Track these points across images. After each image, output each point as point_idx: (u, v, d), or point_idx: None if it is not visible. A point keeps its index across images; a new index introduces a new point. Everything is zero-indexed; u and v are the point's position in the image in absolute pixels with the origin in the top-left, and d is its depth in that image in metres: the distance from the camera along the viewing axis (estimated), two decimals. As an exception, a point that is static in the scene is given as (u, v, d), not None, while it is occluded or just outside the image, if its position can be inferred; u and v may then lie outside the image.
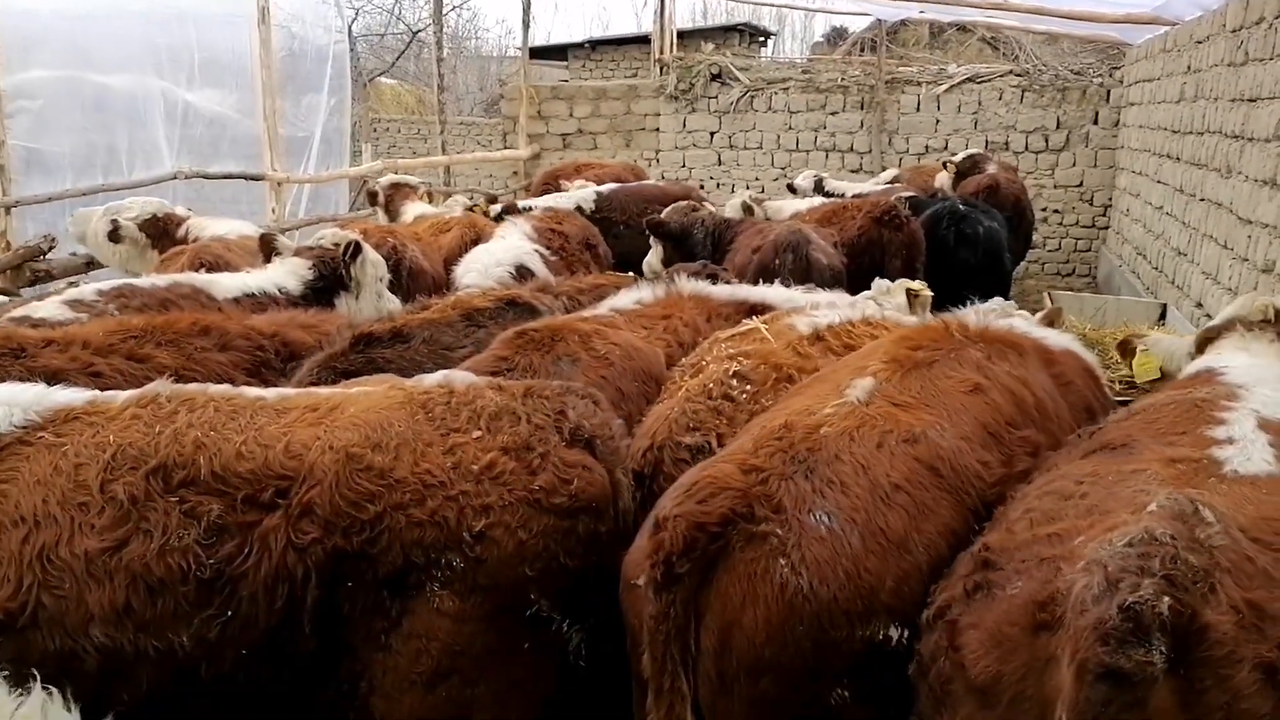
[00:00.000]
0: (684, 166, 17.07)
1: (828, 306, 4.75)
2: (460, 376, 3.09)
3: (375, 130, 20.23)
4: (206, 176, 10.57)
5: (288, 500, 2.67)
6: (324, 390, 3.06)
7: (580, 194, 10.95)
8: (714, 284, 5.20)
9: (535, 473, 2.79)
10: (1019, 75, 15.51)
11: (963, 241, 9.37)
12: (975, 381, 3.27)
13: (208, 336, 4.41)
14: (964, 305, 4.66)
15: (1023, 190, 12.43)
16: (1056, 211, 15.38)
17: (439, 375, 3.09)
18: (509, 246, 7.01)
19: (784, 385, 3.57)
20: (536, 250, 7.11)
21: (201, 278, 5.46)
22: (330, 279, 6.19)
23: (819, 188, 13.56)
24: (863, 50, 20.64)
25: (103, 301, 4.74)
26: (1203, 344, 3.84)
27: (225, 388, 3.02)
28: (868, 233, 8.60)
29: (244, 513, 2.66)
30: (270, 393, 3.02)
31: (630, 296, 4.79)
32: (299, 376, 4.10)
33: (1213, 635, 1.95)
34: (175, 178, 10.00)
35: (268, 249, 6.39)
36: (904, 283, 5.55)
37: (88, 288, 4.93)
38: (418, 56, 21.24)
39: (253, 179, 11.16)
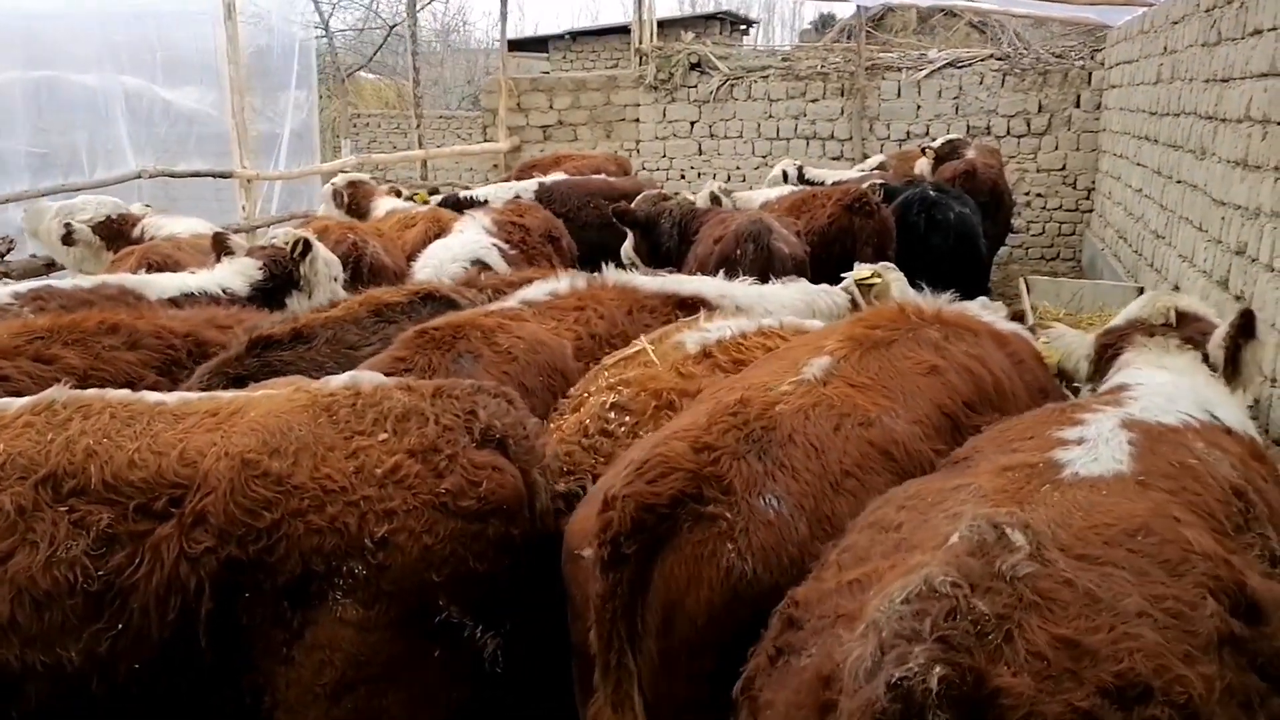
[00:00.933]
0: (664, 156, 16.96)
1: (759, 299, 4.65)
2: (368, 377, 2.97)
3: (355, 126, 20.04)
4: (172, 175, 10.43)
5: (181, 509, 2.56)
6: (227, 394, 2.94)
7: (521, 185, 10.85)
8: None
9: (442, 475, 2.68)
10: (1000, 59, 15.38)
11: (934, 228, 9.29)
12: (932, 363, 3.22)
13: (116, 335, 4.27)
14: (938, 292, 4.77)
15: (1001, 175, 12.32)
16: (1040, 195, 15.26)
17: (345, 376, 2.97)
18: (466, 241, 6.89)
19: (665, 413, 3.39)
20: (494, 244, 6.98)
21: (134, 278, 5.33)
22: (281, 278, 6.07)
23: (800, 175, 13.48)
24: (849, 37, 20.48)
25: (18, 305, 4.60)
26: (1102, 348, 3.62)
27: (125, 393, 2.90)
28: (838, 221, 8.52)
29: (135, 522, 2.55)
30: (172, 397, 2.90)
31: (544, 288, 4.62)
32: (188, 384, 3.96)
33: (1005, 700, 1.66)
34: (139, 177, 9.88)
35: (220, 248, 6.26)
36: (886, 266, 5.44)
37: (2, 290, 4.79)
38: (399, 51, 21.06)
39: (221, 176, 11.02)
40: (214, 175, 10.93)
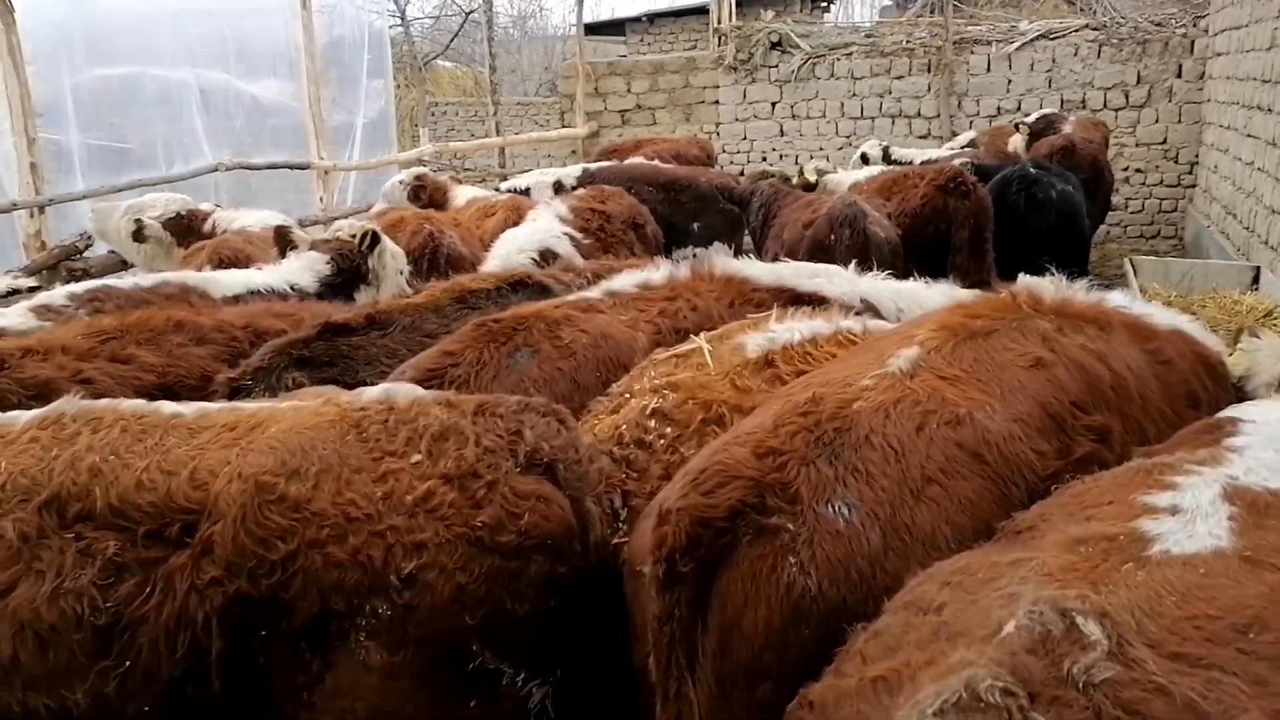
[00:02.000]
0: (745, 139, 16.51)
1: (894, 298, 4.20)
2: (405, 390, 2.69)
3: (433, 114, 19.98)
4: (249, 168, 10.37)
5: (193, 537, 2.32)
6: (249, 406, 2.69)
7: (564, 171, 10.54)
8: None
9: (480, 505, 2.39)
10: (1095, 29, 14.60)
11: (1034, 207, 8.80)
12: (1037, 355, 2.86)
13: (182, 332, 4.18)
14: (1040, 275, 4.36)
15: (1101, 149, 11.67)
16: (1139, 171, 14.47)
17: (380, 388, 2.69)
18: (535, 230, 6.60)
19: (713, 429, 3.03)
20: (567, 233, 6.66)
21: (197, 276, 5.19)
22: (349, 272, 5.88)
23: (886, 156, 12.99)
24: (932, 12, 19.73)
25: (73, 306, 4.47)
26: None
27: (139, 404, 2.68)
28: (932, 201, 8.07)
29: (146, 549, 2.32)
30: (190, 408, 2.67)
31: (636, 277, 4.28)
32: (251, 360, 3.77)
33: None
34: (216, 170, 9.83)
35: (283, 242, 6.10)
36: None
37: (58, 292, 4.67)
38: (476, 39, 20.93)
39: (298, 168, 10.96)
40: (291, 167, 10.87)
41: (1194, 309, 8.17)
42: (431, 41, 23.20)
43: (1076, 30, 14.81)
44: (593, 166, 10.72)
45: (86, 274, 8.12)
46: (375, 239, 5.97)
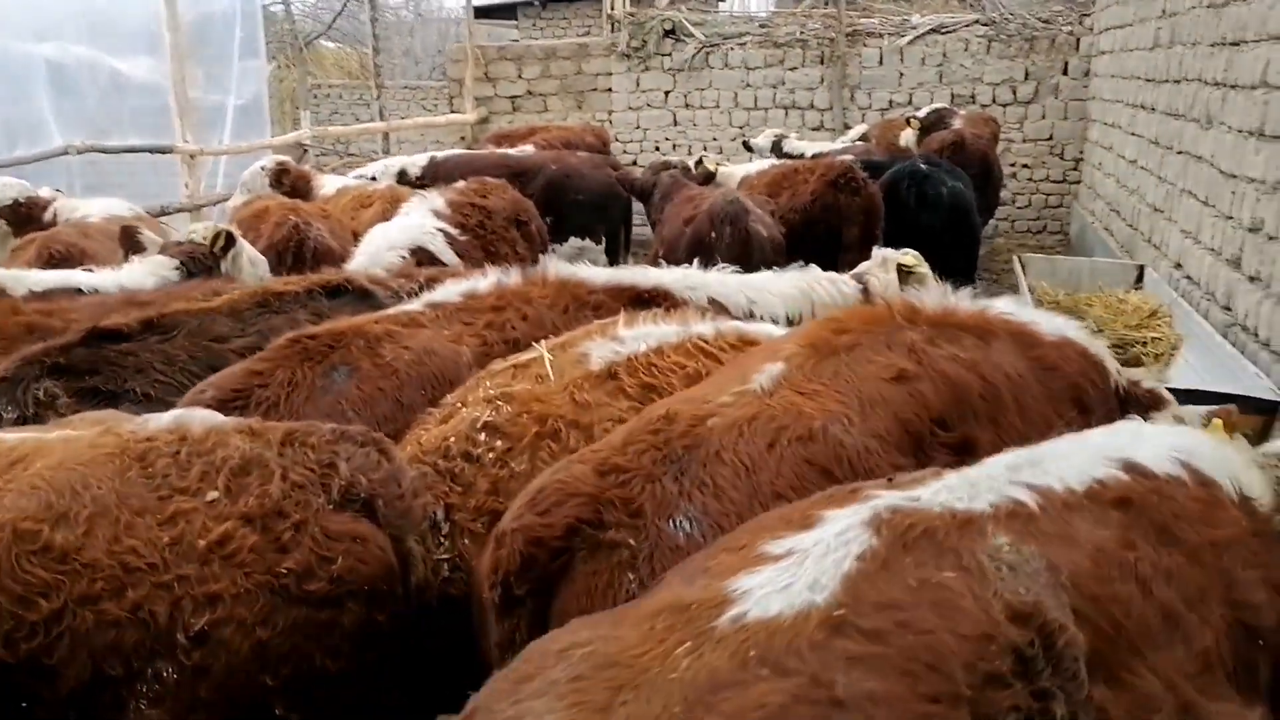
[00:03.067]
0: (638, 128, 16.26)
1: (741, 290, 4.00)
2: (200, 417, 2.34)
3: (315, 96, 19.25)
4: (104, 151, 9.67)
5: None
6: (10, 437, 2.30)
7: (410, 159, 10.10)
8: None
9: (285, 549, 2.09)
10: (985, 25, 14.74)
11: (925, 204, 8.77)
12: (901, 368, 2.76)
13: None
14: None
15: (990, 145, 11.78)
16: (1026, 166, 14.67)
17: (171, 415, 2.34)
18: (407, 225, 6.15)
19: (548, 444, 2.84)
20: (441, 229, 6.23)
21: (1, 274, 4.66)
22: (199, 278, 5.41)
23: (777, 148, 12.88)
24: (828, 3, 19.78)
25: None
26: None
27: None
28: (822, 198, 7.97)
29: None
30: None
31: (461, 286, 4.00)
32: None
33: None
34: (66, 153, 9.14)
35: (129, 243, 5.61)
36: (906, 252, 4.79)
37: None
38: (363, 19, 20.21)
39: (160, 152, 10.27)
40: (152, 150, 10.17)
41: (1082, 307, 8.20)
42: (315, 20, 22.36)
43: (967, 25, 14.93)
44: (439, 155, 10.24)
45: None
46: (230, 241, 5.53)
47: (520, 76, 16.90)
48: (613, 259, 10.02)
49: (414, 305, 3.87)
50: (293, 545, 2.07)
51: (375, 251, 5.84)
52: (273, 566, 2.04)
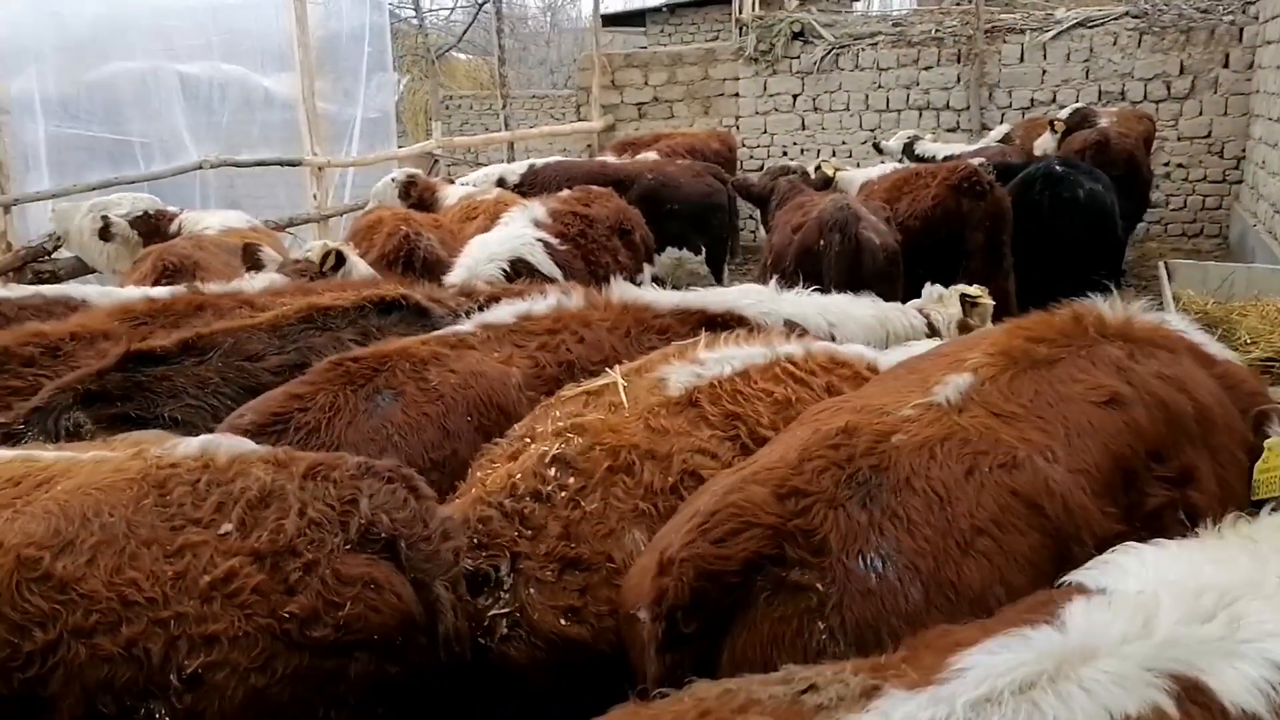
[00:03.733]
0: (765, 132, 15.96)
1: (820, 314, 3.74)
2: (229, 444, 2.24)
3: (447, 107, 19.56)
4: (236, 165, 9.98)
5: None
6: (47, 455, 2.25)
7: (508, 167, 10.09)
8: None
9: (292, 590, 1.95)
10: (1136, 17, 13.87)
11: (1060, 208, 8.25)
12: (1113, 390, 2.51)
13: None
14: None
15: (1138, 144, 11.03)
16: (1181, 166, 13.75)
17: (201, 440, 2.25)
18: (507, 236, 6.09)
19: (622, 479, 2.62)
20: (541, 239, 6.15)
21: (85, 290, 4.75)
22: None
23: (909, 150, 12.42)
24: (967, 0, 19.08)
25: None
26: None
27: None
28: (944, 202, 7.56)
29: None
30: None
31: (517, 308, 3.86)
32: (33, 401, 3.31)
33: None
34: (200, 167, 9.46)
35: (250, 261, 5.71)
36: (958, 289, 4.50)
37: None
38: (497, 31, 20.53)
39: (289, 165, 10.56)
40: (281, 164, 10.46)
41: (1234, 317, 7.58)
42: (446, 33, 22.78)
43: (1116, 18, 14.11)
44: (538, 163, 10.20)
45: (55, 276, 7.79)
46: (340, 260, 5.55)
47: (646, 83, 16.84)
48: (715, 270, 9.80)
49: (465, 326, 3.76)
50: (300, 587, 1.94)
51: (474, 263, 5.80)
52: (276, 609, 1.91)
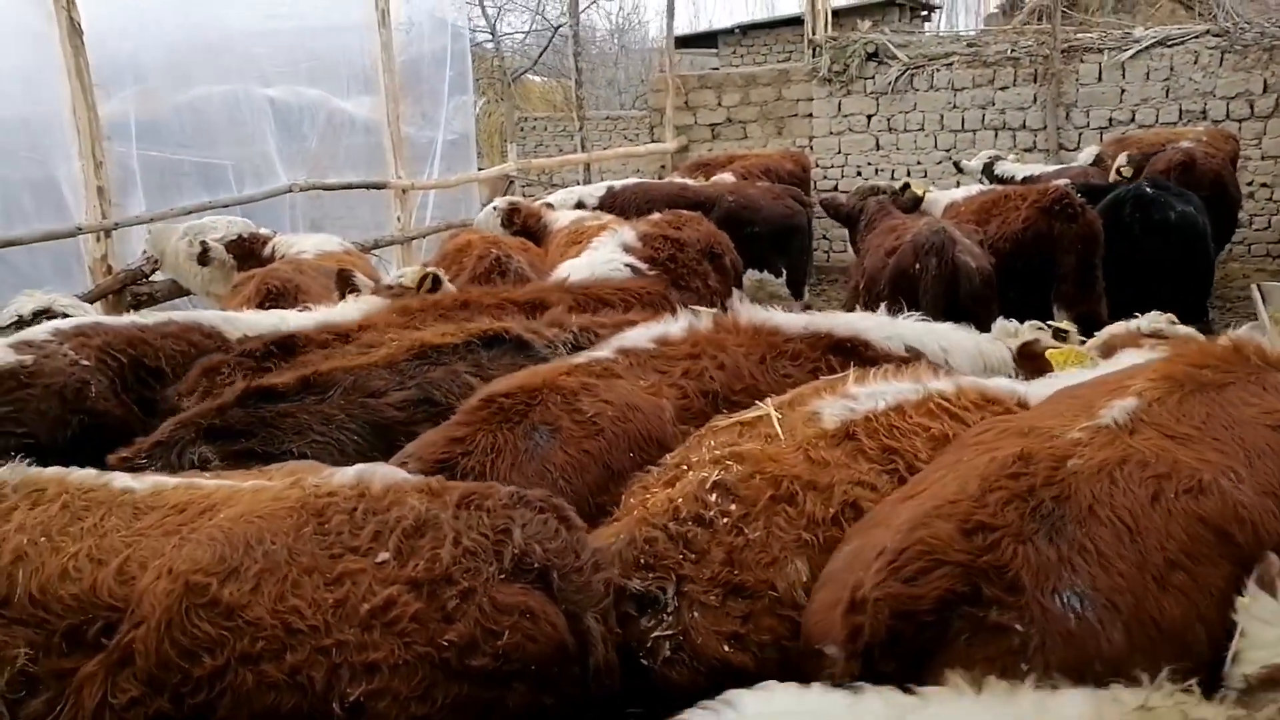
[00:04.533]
0: (839, 153, 15.92)
1: (933, 340, 3.70)
2: (383, 472, 2.28)
3: (522, 129, 19.80)
4: (324, 188, 10.20)
5: (112, 641, 1.96)
6: (209, 482, 2.32)
7: (588, 189, 10.00)
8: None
9: (450, 619, 1.98)
10: (1217, 35, 13.63)
11: (1151, 230, 8.11)
12: None
13: (467, 309, 4.76)
14: (1158, 305, 3.97)
15: (1225, 164, 10.81)
16: (1265, 186, 13.48)
17: (356, 469, 2.30)
18: (595, 261, 6.10)
19: (784, 508, 2.59)
20: (630, 264, 6.14)
21: (213, 316, 4.86)
22: None
23: (989, 170, 12.28)
24: (1040, 19, 18.84)
25: (56, 342, 4.16)
26: None
27: (88, 474, 2.34)
28: (1035, 225, 7.47)
29: (62, 655, 1.97)
30: (144, 483, 2.31)
31: (652, 331, 3.78)
32: (153, 435, 3.37)
33: None
34: (290, 190, 9.67)
35: (344, 286, 5.82)
36: (1032, 325, 4.37)
37: (41, 328, 4.37)
38: (568, 53, 20.75)
39: (374, 188, 10.77)
40: (367, 186, 10.68)
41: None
42: (522, 56, 23.07)
43: (1196, 36, 13.87)
44: (617, 185, 10.19)
45: (152, 299, 7.98)
46: (436, 283, 5.65)
47: (720, 104, 16.87)
48: (795, 291, 9.78)
49: (603, 352, 3.68)
50: (458, 615, 1.97)
51: (566, 288, 5.84)
52: (435, 637, 1.94)
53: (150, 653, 1.91)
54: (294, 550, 2.03)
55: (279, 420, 3.37)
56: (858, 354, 3.71)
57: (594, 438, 3.17)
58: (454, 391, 3.67)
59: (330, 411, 3.46)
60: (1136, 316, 4.20)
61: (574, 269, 6.02)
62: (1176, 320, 4.13)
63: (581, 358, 3.66)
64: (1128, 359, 3.21)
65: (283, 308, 5.45)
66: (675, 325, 3.81)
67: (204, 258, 7.36)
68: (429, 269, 5.74)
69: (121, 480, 2.32)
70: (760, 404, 3.07)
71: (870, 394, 2.97)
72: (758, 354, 3.71)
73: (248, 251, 7.38)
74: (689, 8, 29.02)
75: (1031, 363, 3.84)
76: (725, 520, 2.58)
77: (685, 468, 2.85)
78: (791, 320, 3.91)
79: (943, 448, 2.72)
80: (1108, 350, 3.64)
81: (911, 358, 3.65)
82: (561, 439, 3.13)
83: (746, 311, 3.90)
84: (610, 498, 3.00)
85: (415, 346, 3.85)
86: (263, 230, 7.36)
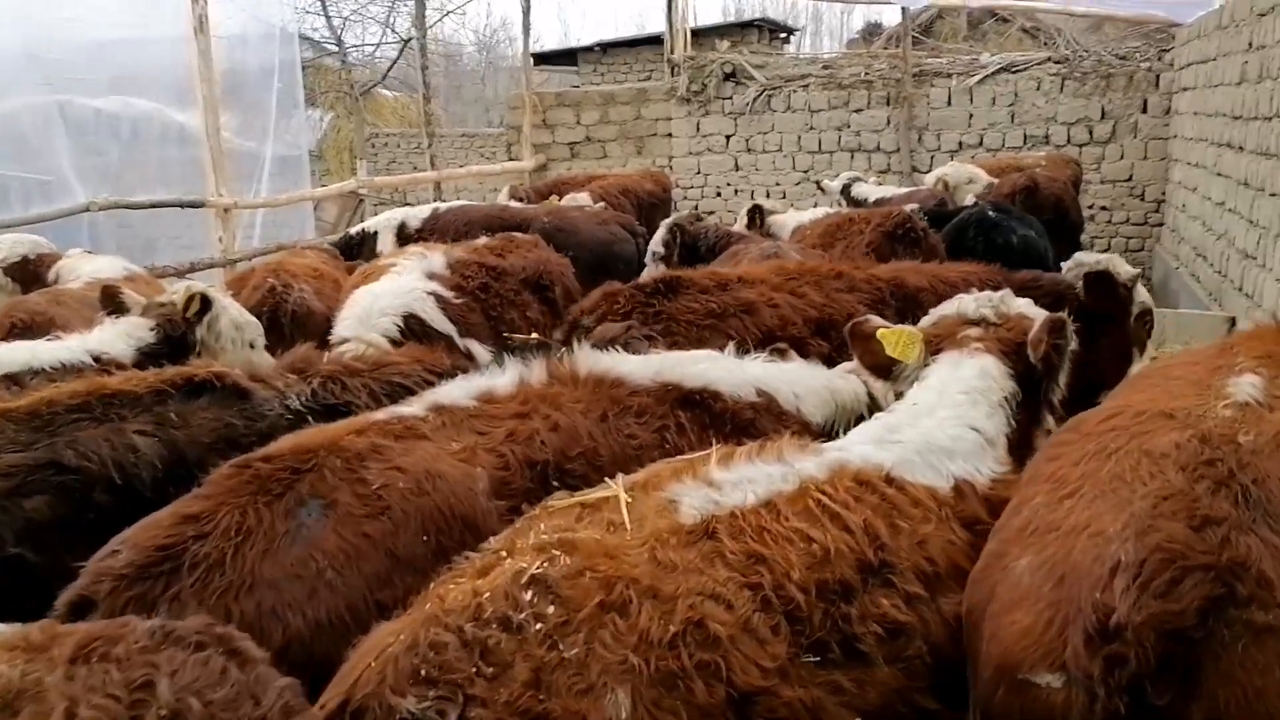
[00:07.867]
0: (699, 173, 15.78)
1: (785, 384, 3.33)
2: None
3: (374, 145, 19.08)
4: (129, 206, 9.38)
5: None
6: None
7: (411, 211, 9.46)
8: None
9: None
10: (1058, 63, 14.03)
11: (994, 253, 7.99)
12: None
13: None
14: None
15: (1066, 188, 10.96)
16: (1104, 208, 13.86)
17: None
18: (399, 288, 5.48)
19: (612, 619, 2.00)
20: (433, 292, 5.56)
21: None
22: (177, 342, 4.93)
23: (846, 191, 12.18)
24: (896, 45, 19.18)
25: None
26: None
27: None
28: (878, 249, 7.38)
29: None
30: None
31: (477, 383, 3.22)
32: None
33: None
34: (88, 210, 8.85)
35: (110, 304, 5.15)
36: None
37: None
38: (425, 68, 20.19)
39: (190, 206, 9.99)
40: (180, 205, 9.88)
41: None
42: (373, 70, 22.33)
43: (1039, 63, 14.24)
44: (442, 207, 9.62)
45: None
46: (206, 305, 5.00)
47: (579, 123, 16.59)
48: (619, 318, 9.38)
49: (414, 408, 3.07)
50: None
51: (364, 317, 5.29)
52: None
53: None
54: None
55: None
56: (708, 407, 3.27)
57: (378, 516, 2.60)
58: (97, 457, 2.97)
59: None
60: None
61: (376, 295, 5.44)
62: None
63: (381, 414, 3.04)
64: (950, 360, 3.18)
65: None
66: (502, 377, 3.26)
67: (-21, 282, 6.63)
68: (198, 287, 5.10)
69: None
70: (610, 482, 2.50)
71: (736, 481, 2.45)
72: (598, 411, 3.18)
73: (32, 275, 6.68)
74: (559, 25, 28.67)
75: (862, 344, 3.43)
76: (539, 627, 2.00)
77: (504, 555, 2.24)
78: (639, 368, 3.39)
79: (820, 560, 2.26)
80: (934, 339, 3.31)
81: (763, 404, 3.31)
82: (336, 517, 2.56)
83: (587, 359, 3.37)
84: (393, 594, 2.44)
85: (84, 392, 3.18)
86: (56, 250, 6.64)
